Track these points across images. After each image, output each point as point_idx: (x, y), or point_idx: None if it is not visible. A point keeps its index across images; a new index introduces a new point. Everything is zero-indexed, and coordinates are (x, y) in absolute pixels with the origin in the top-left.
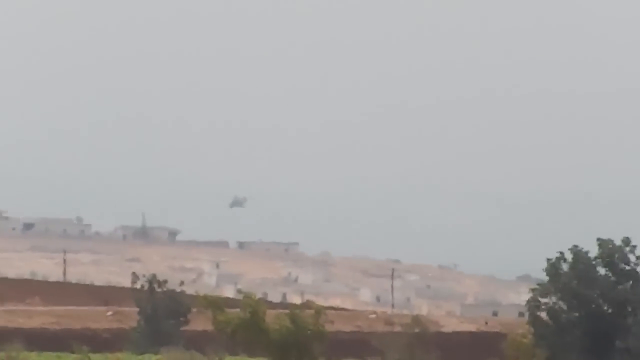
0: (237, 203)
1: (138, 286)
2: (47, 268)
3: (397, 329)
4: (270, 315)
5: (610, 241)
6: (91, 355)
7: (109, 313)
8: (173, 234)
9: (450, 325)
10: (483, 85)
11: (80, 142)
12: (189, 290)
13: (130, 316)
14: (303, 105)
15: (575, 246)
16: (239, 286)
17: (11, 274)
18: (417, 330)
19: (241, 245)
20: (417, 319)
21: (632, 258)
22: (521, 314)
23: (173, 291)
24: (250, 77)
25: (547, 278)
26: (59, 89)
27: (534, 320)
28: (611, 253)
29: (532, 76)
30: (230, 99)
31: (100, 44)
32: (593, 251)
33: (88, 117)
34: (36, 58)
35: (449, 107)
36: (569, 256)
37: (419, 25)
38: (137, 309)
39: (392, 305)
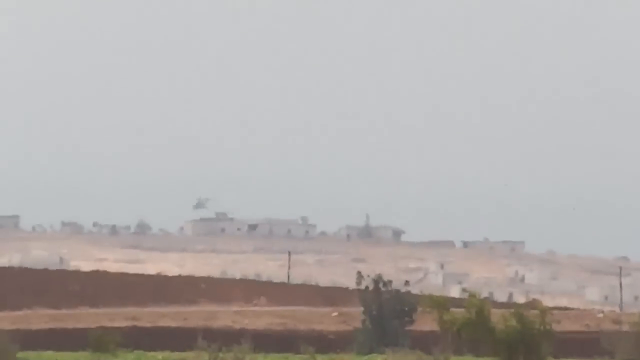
0: (200, 205)
1: (363, 286)
2: (271, 269)
3: (625, 328)
4: (495, 315)
5: None
6: (317, 356)
7: (334, 314)
8: (397, 233)
9: None
10: None
11: (305, 142)
12: (415, 290)
13: (354, 317)
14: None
15: None
16: (464, 286)
17: (237, 274)
18: None
19: (466, 244)
20: None
21: None
22: None
23: (398, 291)
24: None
25: None
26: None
27: None
28: None
29: None
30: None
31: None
32: None
33: (303, 119)
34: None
35: None
36: None
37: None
38: (361, 310)
39: (620, 304)
